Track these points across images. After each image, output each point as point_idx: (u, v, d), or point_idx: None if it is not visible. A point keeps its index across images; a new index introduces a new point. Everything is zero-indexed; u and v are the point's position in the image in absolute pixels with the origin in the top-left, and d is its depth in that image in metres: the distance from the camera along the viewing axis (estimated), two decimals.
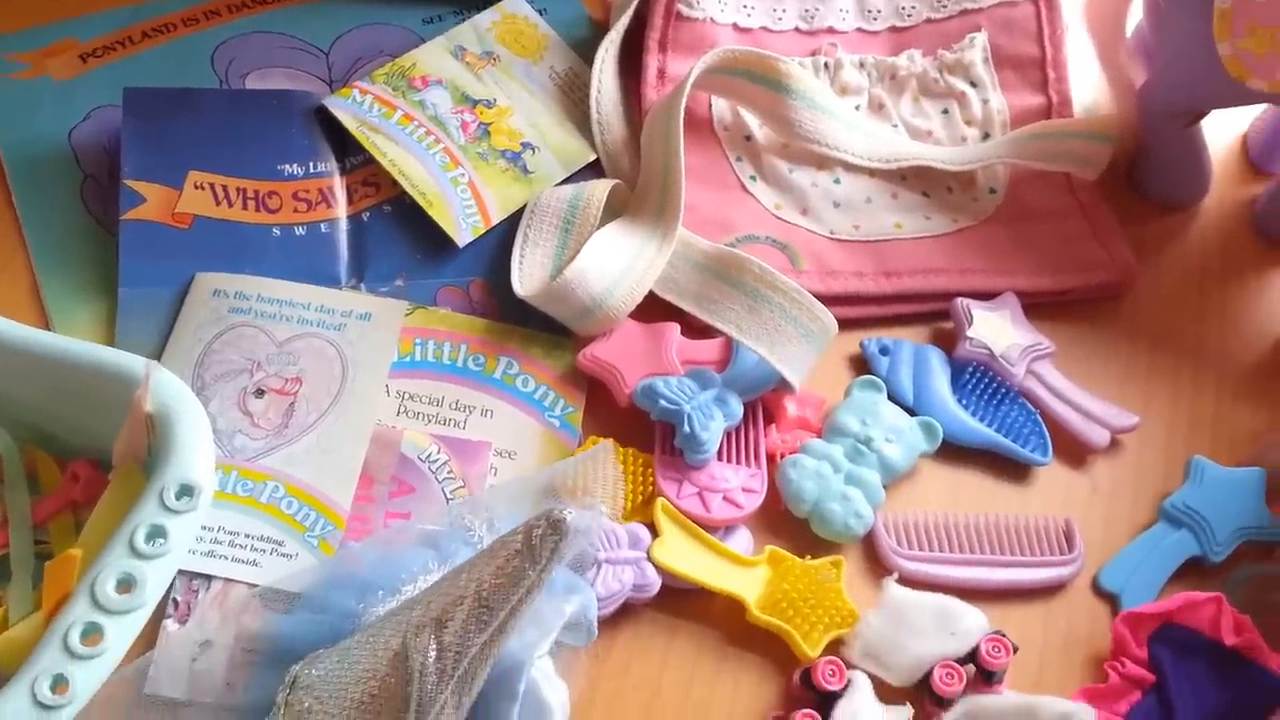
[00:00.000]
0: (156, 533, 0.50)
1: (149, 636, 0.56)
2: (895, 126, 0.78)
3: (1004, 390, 0.68)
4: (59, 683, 0.47)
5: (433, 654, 0.48)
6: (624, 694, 0.59)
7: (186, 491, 0.51)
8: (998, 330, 0.69)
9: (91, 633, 0.48)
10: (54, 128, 0.72)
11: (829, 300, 0.68)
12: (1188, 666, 0.58)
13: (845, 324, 0.69)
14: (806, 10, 0.80)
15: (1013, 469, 0.67)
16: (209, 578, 0.58)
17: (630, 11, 0.78)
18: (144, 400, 0.53)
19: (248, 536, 0.59)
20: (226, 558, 0.59)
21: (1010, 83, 0.79)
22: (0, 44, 0.75)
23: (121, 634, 0.49)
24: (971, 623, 0.58)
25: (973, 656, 0.58)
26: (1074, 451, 0.67)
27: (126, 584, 0.49)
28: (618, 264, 0.67)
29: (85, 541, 0.52)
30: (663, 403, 0.63)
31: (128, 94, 0.71)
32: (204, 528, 0.59)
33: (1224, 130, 0.81)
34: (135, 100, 0.70)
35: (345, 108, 0.73)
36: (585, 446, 0.63)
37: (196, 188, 0.69)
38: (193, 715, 0.54)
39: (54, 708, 0.47)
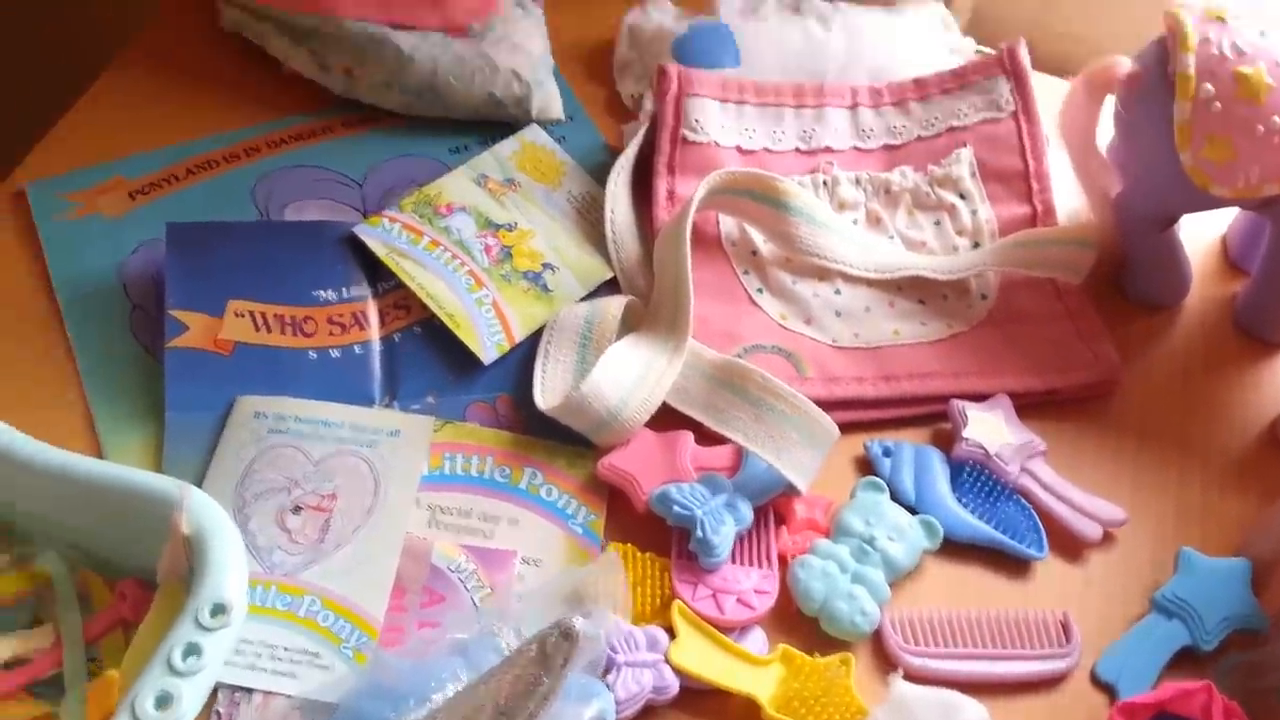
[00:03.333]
0: (192, 650, 0.50)
1: None
2: (891, 238, 0.78)
3: (1000, 488, 0.68)
4: None
5: None
6: None
7: (220, 610, 0.52)
8: (992, 430, 0.69)
9: None
10: (104, 262, 0.73)
11: (832, 404, 0.69)
12: None
13: (849, 427, 0.69)
14: (804, 131, 0.82)
15: (1011, 564, 0.66)
16: (250, 690, 0.58)
17: (640, 137, 0.79)
18: (180, 523, 0.53)
19: (286, 649, 0.59)
20: (266, 670, 0.58)
21: (997, 194, 0.80)
22: (54, 185, 0.76)
23: None
24: (972, 716, 0.58)
25: None
26: (1068, 546, 0.67)
27: (165, 701, 0.49)
28: (631, 376, 0.68)
29: (130, 658, 0.52)
30: (676, 509, 0.63)
31: (170, 228, 0.72)
32: (245, 641, 0.59)
33: (1204, 231, 0.82)
34: (178, 234, 0.71)
35: (376, 235, 0.74)
36: (607, 552, 0.63)
37: (237, 315, 0.70)
38: None
39: None
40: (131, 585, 0.58)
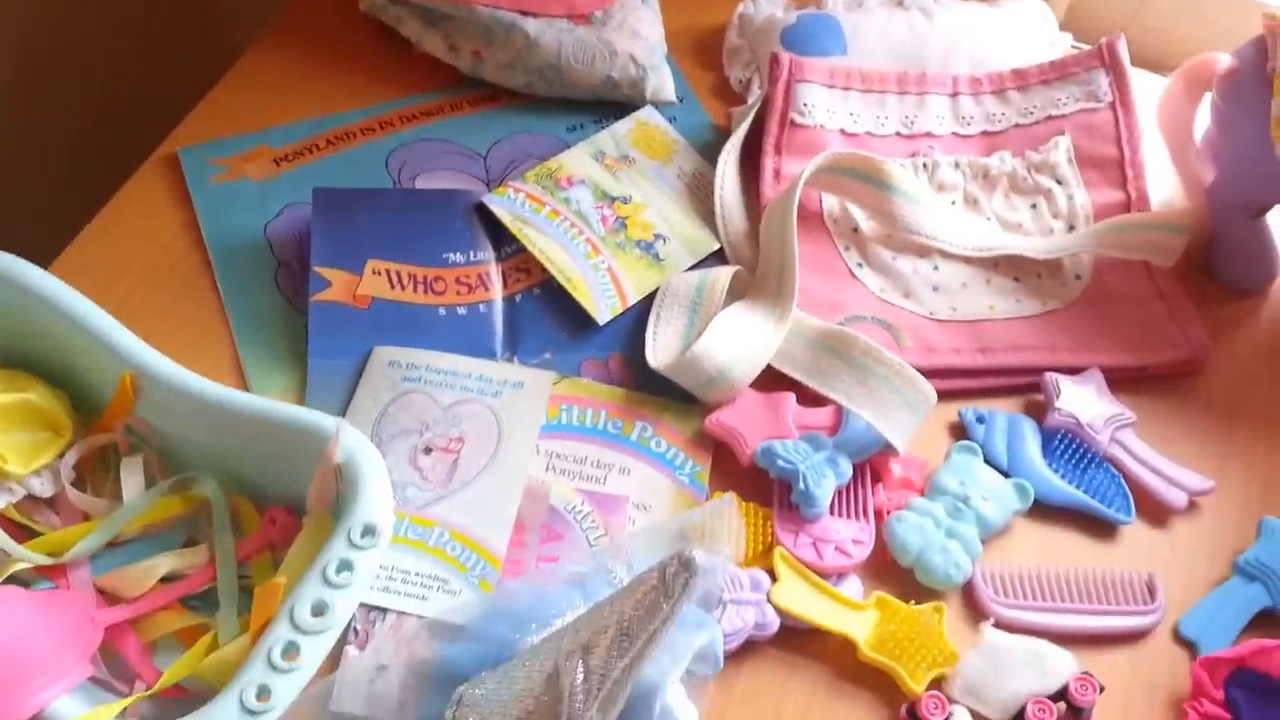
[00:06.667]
0: (344, 566, 0.54)
1: (333, 660, 0.59)
2: (988, 220, 0.79)
3: (1090, 456, 0.69)
4: (263, 692, 0.50)
5: (580, 676, 0.50)
6: None
7: (370, 531, 0.55)
8: (1084, 402, 0.70)
9: (290, 650, 0.51)
10: (251, 222, 0.77)
11: (929, 374, 0.70)
12: (1262, 707, 0.58)
13: (944, 395, 0.70)
14: (906, 117, 0.83)
15: (1099, 527, 0.67)
16: (385, 610, 0.61)
17: (749, 121, 0.81)
18: (334, 453, 0.56)
19: (418, 575, 0.62)
20: (400, 593, 0.62)
21: (1093, 180, 0.81)
22: (205, 150, 0.80)
23: (315, 651, 0.52)
24: (1061, 664, 0.59)
25: (1062, 694, 0.58)
26: (1155, 512, 0.68)
27: (319, 609, 0.52)
28: (740, 339, 0.70)
29: (283, 575, 0.55)
30: (780, 463, 0.65)
31: (317, 193, 0.75)
32: (381, 567, 0.62)
33: None
34: (323, 198, 0.75)
35: (502, 204, 0.77)
36: (722, 496, 0.65)
37: (374, 273, 0.73)
38: None
39: (258, 713, 0.50)
40: (280, 512, 0.61)
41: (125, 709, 0.53)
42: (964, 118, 0.83)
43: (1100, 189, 0.80)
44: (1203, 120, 0.78)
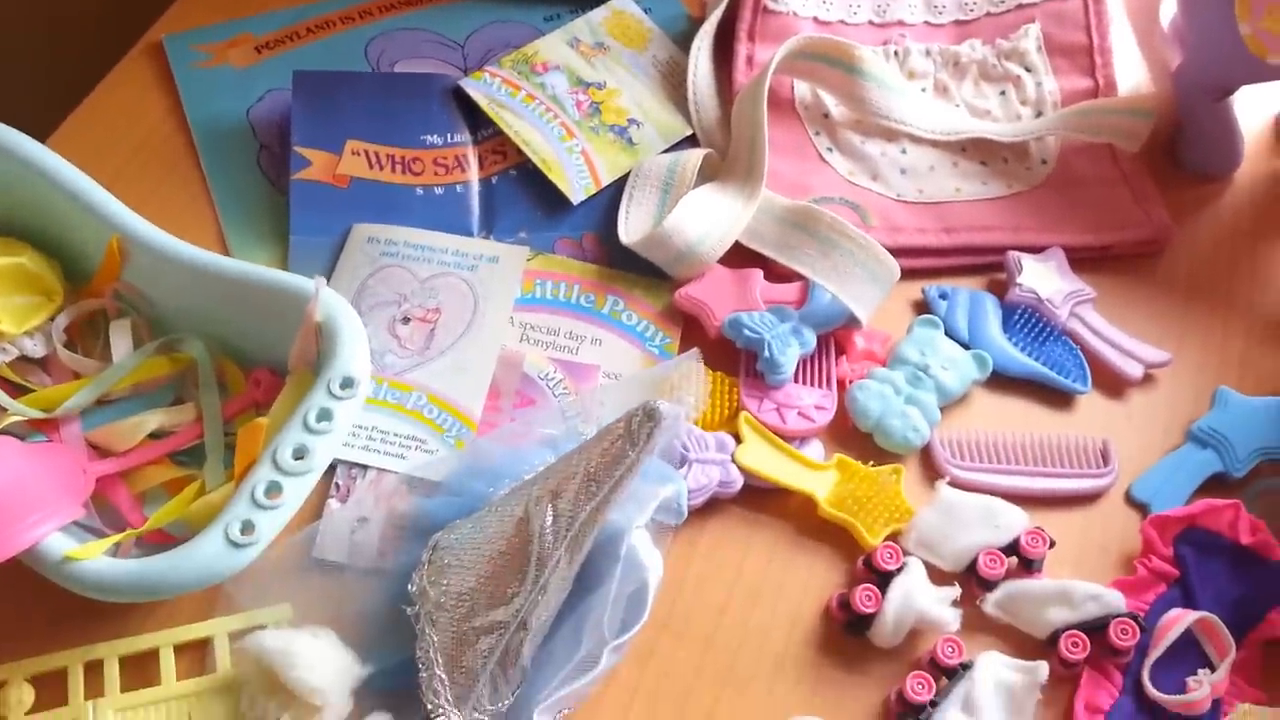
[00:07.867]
0: (324, 414, 0.56)
1: (316, 511, 0.62)
2: (958, 106, 0.81)
3: (1049, 329, 0.71)
4: (247, 527, 0.53)
5: (549, 519, 0.53)
6: (711, 575, 0.63)
7: (348, 383, 0.57)
8: (1045, 278, 0.72)
9: (273, 489, 0.54)
10: (234, 107, 0.78)
11: (895, 252, 0.72)
12: (1208, 563, 0.61)
13: (909, 274, 0.72)
14: (879, 5, 0.84)
15: (1056, 397, 0.70)
16: (365, 467, 0.64)
17: (722, 7, 0.83)
18: (314, 312, 0.59)
19: (396, 435, 0.65)
20: (379, 452, 0.65)
21: (1061, 68, 0.82)
22: (188, 38, 0.82)
23: (296, 491, 0.55)
24: (1013, 518, 0.62)
25: (1014, 548, 0.61)
26: (1112, 383, 0.70)
27: (300, 453, 0.55)
28: (709, 217, 0.72)
29: (268, 424, 0.58)
30: (747, 332, 0.68)
31: (297, 75, 0.77)
32: (360, 426, 0.65)
33: (1257, 110, 0.83)
34: (303, 81, 0.77)
35: (478, 88, 0.78)
36: (688, 353, 0.68)
37: (354, 154, 0.75)
38: (351, 576, 0.60)
39: (242, 546, 0.53)
40: (265, 373, 0.64)
41: (117, 545, 0.56)
42: (936, 6, 0.85)
43: (1069, 76, 0.82)
44: (1170, 7, 0.80)
